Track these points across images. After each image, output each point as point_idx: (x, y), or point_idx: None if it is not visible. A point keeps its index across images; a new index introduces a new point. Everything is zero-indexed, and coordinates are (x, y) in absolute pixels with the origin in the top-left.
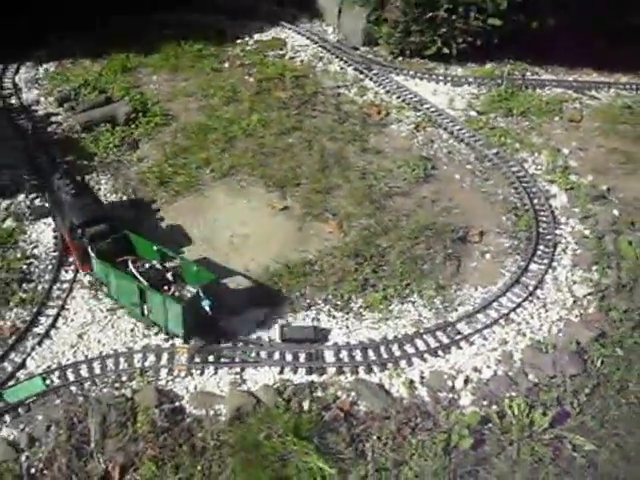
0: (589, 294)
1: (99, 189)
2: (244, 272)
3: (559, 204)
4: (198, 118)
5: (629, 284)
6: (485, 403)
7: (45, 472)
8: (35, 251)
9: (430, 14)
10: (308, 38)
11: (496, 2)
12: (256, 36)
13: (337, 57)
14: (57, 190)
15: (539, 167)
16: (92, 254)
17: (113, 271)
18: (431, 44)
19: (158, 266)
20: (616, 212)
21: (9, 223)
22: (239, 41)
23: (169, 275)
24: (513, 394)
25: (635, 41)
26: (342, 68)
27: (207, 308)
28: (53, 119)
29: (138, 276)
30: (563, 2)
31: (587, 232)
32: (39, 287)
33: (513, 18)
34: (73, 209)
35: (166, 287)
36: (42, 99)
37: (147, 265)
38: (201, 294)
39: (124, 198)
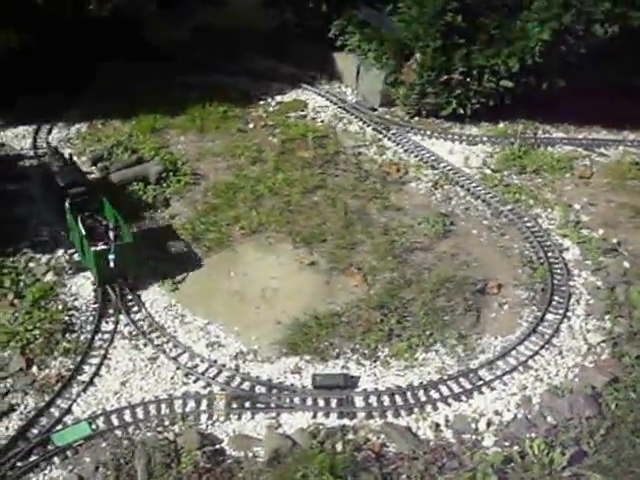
0: (602, 341)
1: None
2: (276, 324)
3: (572, 257)
4: (226, 177)
5: None
6: (507, 444)
7: None
8: (76, 303)
9: (445, 77)
10: (328, 99)
11: (508, 65)
12: (278, 97)
13: (356, 117)
14: (49, 165)
15: (552, 222)
16: (66, 206)
17: (73, 221)
18: (446, 105)
19: (110, 226)
20: (626, 264)
21: (50, 277)
22: (262, 102)
23: (111, 233)
24: (533, 435)
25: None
26: (361, 128)
27: (111, 261)
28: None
29: (80, 226)
30: (571, 64)
31: (599, 283)
32: (81, 337)
33: (524, 80)
34: (60, 176)
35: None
36: (75, 159)
37: (103, 223)
38: (111, 249)
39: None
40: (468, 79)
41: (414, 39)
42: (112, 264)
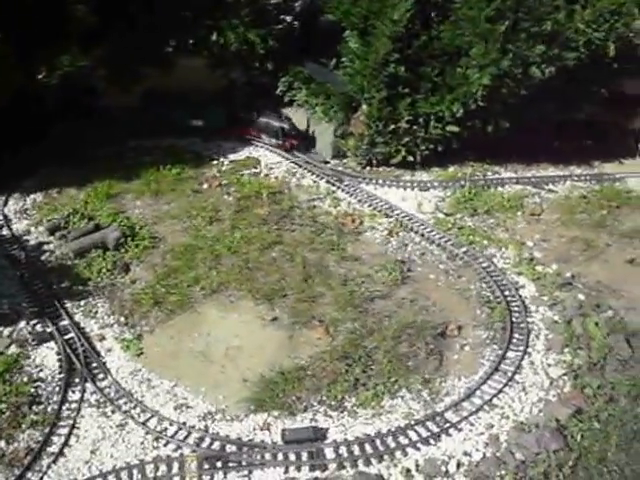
0: (564, 374)
1: (96, 312)
2: (242, 381)
3: (528, 294)
4: (184, 239)
5: (599, 362)
6: None
7: None
8: (41, 374)
9: (392, 126)
10: (280, 155)
11: (452, 111)
12: (230, 156)
13: (309, 171)
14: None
15: (507, 261)
16: None
17: None
18: (396, 153)
19: None
20: (581, 297)
21: (13, 349)
22: (215, 162)
23: None
24: (503, 472)
25: (583, 135)
26: (315, 182)
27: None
28: (45, 247)
29: None
30: (513, 106)
31: (556, 317)
32: (49, 408)
33: (469, 124)
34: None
35: None
36: (32, 229)
37: None
38: None
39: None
40: (415, 127)
41: (359, 91)
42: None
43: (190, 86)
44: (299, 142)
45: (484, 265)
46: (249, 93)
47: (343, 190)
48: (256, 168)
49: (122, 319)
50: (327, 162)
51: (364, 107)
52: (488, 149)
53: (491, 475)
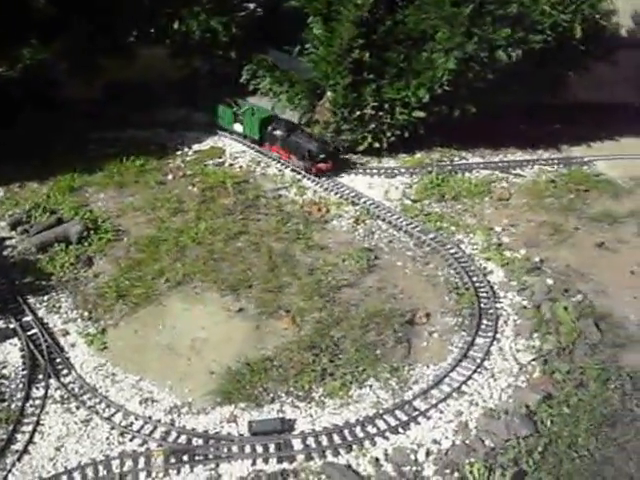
0: (533, 360)
1: (60, 307)
2: (208, 374)
3: (497, 279)
4: (148, 231)
5: (568, 347)
6: (447, 471)
7: None
8: (4, 371)
9: (358, 113)
10: (245, 144)
11: (418, 96)
12: (195, 146)
13: (274, 160)
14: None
15: (475, 246)
16: None
17: None
18: (362, 140)
19: None
20: (550, 281)
21: None
22: (179, 153)
23: None
24: (472, 460)
25: (551, 119)
26: (280, 170)
27: None
28: (7, 243)
29: None
30: (480, 90)
31: (525, 303)
32: (12, 405)
33: (436, 109)
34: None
35: None
36: None
37: None
38: None
39: (85, 314)
40: (381, 113)
41: (324, 78)
42: None
43: (153, 76)
44: (330, 167)
45: (452, 251)
46: (213, 82)
47: (309, 179)
48: (221, 158)
49: (86, 313)
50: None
51: (329, 94)
52: (455, 134)
53: (461, 462)
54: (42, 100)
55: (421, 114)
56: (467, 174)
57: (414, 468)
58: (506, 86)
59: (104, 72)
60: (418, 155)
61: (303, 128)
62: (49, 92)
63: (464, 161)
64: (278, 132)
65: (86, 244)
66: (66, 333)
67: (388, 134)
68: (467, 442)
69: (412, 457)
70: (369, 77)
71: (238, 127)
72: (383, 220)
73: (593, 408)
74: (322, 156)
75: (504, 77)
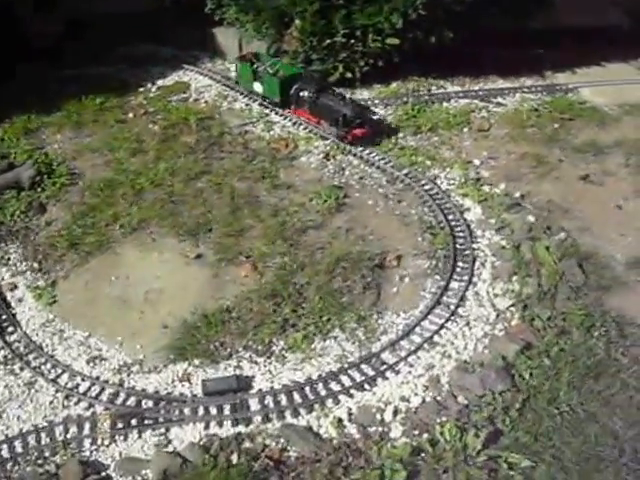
0: (511, 305)
1: (8, 259)
2: (162, 328)
3: (474, 217)
4: (104, 174)
5: (550, 290)
6: (416, 432)
7: None
8: None
9: (328, 41)
10: (211, 78)
11: (391, 22)
12: (159, 82)
13: (242, 94)
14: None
15: (452, 182)
16: None
17: None
18: (333, 70)
19: None
20: (531, 218)
21: None
22: (142, 89)
23: None
24: (444, 419)
25: (536, 43)
26: (247, 105)
27: None
28: None
29: None
30: (458, 14)
31: (504, 242)
32: None
33: (410, 35)
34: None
35: None
36: None
37: None
38: None
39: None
40: (352, 41)
41: (291, 5)
42: None
43: (116, 10)
44: (366, 133)
45: (426, 188)
46: (178, 14)
47: (277, 113)
48: (185, 93)
49: (36, 265)
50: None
51: (297, 22)
52: (433, 63)
53: (431, 422)
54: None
55: (395, 41)
56: (445, 104)
57: (380, 429)
58: (485, 9)
59: (67, 6)
60: (394, 85)
61: (334, 88)
62: (10, 28)
63: (442, 90)
64: (305, 93)
65: (39, 190)
66: (14, 287)
67: (361, 63)
68: (438, 399)
69: (378, 417)
70: (339, 2)
71: (258, 87)
72: (354, 155)
73: (576, 359)
74: (358, 121)
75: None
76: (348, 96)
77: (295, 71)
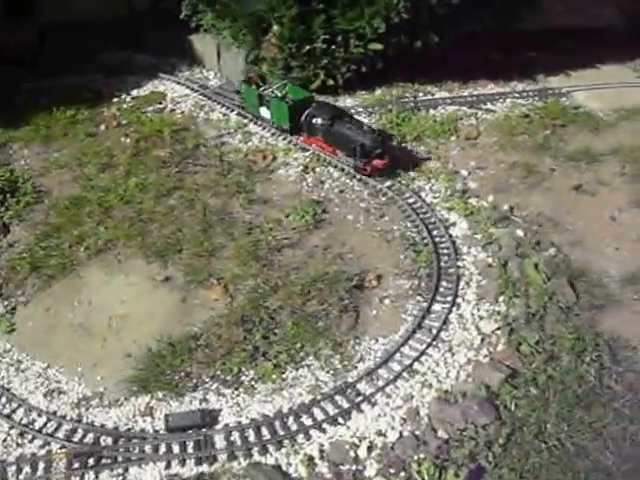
0: (497, 329)
1: None
2: (125, 357)
3: (459, 232)
4: (72, 191)
5: (538, 312)
6: (392, 471)
7: None
8: None
9: (308, 47)
10: (188, 87)
11: (373, 26)
12: (134, 92)
13: (219, 104)
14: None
15: (437, 194)
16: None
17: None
18: (314, 77)
19: None
20: (520, 233)
21: None
22: (115, 100)
23: None
24: (422, 456)
25: (527, 45)
26: (225, 115)
27: None
28: None
29: None
30: (443, 17)
31: (490, 260)
32: None
33: (394, 40)
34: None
35: None
36: None
37: None
38: None
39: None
40: (333, 47)
41: (269, 10)
42: None
43: (90, 18)
44: (387, 165)
45: (410, 201)
46: (154, 21)
47: (256, 123)
48: (161, 103)
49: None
50: (239, 92)
51: (275, 27)
52: (419, 68)
53: (408, 460)
54: None
55: (378, 46)
56: (432, 111)
57: (354, 467)
58: (472, 11)
59: (39, 15)
60: (378, 92)
61: (351, 114)
62: None
63: (429, 97)
64: (318, 120)
65: (2, 209)
66: None
67: (343, 70)
68: (417, 433)
69: (352, 453)
70: (318, 7)
71: (265, 112)
72: (335, 167)
73: (565, 387)
74: (378, 151)
75: (469, 1)
76: (366, 122)
77: (306, 95)
